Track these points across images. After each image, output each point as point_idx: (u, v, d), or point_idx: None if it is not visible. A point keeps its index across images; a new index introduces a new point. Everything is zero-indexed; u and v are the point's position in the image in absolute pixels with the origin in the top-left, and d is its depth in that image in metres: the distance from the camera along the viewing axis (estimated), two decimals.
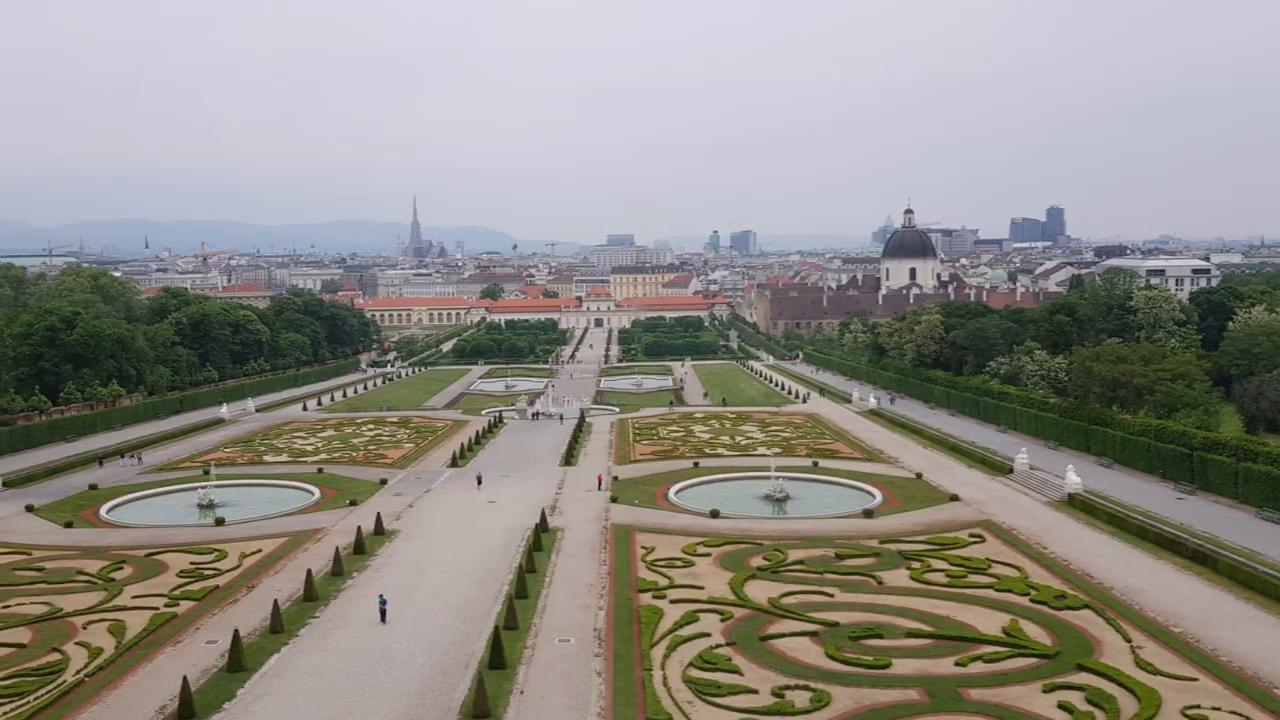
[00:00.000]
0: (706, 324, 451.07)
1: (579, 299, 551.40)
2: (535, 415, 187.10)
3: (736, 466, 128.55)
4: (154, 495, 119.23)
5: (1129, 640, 63.95)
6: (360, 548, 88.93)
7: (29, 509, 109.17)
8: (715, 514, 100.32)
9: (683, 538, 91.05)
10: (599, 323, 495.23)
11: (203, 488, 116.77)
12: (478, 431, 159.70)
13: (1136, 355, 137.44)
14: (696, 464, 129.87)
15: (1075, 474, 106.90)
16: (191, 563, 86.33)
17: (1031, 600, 72.43)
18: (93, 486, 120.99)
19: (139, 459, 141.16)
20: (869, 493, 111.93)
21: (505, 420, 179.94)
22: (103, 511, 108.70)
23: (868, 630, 65.82)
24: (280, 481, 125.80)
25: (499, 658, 61.35)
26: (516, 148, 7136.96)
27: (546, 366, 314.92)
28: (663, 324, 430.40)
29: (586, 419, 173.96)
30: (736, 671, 59.31)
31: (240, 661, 61.80)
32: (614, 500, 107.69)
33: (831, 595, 73.92)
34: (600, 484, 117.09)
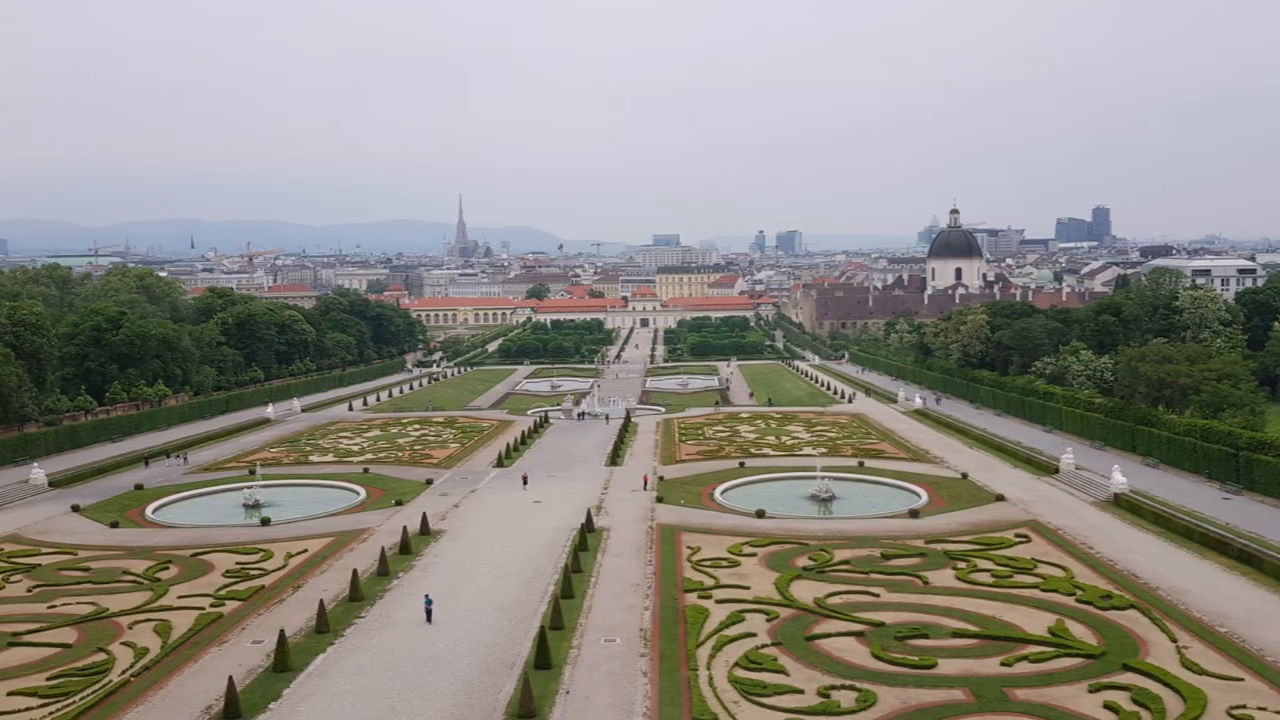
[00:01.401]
0: (752, 324, 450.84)
1: (624, 299, 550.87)
2: (581, 415, 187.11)
3: (782, 466, 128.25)
4: (199, 495, 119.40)
5: (1174, 640, 63.63)
6: (406, 548, 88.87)
7: (75, 509, 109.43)
8: (761, 514, 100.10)
9: (728, 538, 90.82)
10: (644, 323, 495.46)
11: (248, 488, 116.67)
12: (523, 431, 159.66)
13: (1182, 355, 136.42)
14: (742, 464, 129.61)
15: (1121, 474, 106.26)
16: (237, 563, 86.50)
17: (1077, 600, 72.11)
18: (138, 486, 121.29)
19: (184, 459, 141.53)
20: (915, 493, 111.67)
21: (551, 420, 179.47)
22: (148, 511, 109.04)
23: (913, 630, 65.60)
24: (326, 481, 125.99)
25: (545, 658, 61.32)
26: (563, 148, 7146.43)
27: (592, 366, 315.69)
28: (708, 324, 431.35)
29: (632, 419, 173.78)
30: (782, 671, 59.19)
31: (286, 661, 61.87)
32: (660, 500, 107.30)
33: (877, 595, 73.63)
34: (646, 484, 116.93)
